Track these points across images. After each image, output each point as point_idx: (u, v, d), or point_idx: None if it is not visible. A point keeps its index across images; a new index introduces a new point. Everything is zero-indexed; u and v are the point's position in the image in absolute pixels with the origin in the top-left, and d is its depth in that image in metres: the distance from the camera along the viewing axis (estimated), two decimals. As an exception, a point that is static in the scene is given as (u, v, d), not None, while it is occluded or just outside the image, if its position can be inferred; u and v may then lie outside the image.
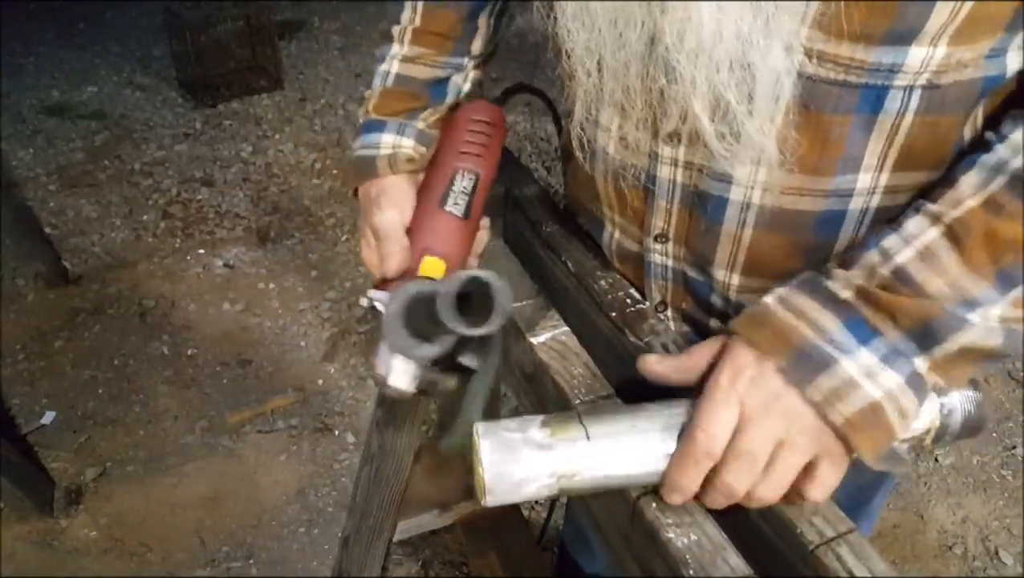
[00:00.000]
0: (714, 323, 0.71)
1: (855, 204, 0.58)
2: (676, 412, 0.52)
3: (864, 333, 0.49)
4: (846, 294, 0.51)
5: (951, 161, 0.56)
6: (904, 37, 0.49)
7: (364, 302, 0.63)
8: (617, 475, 0.50)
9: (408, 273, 0.64)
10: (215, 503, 1.77)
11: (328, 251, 2.51)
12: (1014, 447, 1.91)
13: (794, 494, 0.51)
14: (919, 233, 0.51)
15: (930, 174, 0.57)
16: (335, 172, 2.87)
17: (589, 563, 1.26)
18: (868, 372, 0.48)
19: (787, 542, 0.51)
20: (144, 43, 3.81)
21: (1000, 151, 0.51)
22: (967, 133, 0.56)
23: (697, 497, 0.52)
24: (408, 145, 0.72)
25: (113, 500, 1.77)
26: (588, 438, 0.50)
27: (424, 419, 1.14)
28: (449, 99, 0.77)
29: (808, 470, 0.50)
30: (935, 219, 0.51)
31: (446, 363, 0.62)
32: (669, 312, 0.73)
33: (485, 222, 0.73)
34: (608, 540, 0.56)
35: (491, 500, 0.50)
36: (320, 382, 2.06)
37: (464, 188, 0.67)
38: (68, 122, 3.19)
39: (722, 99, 0.51)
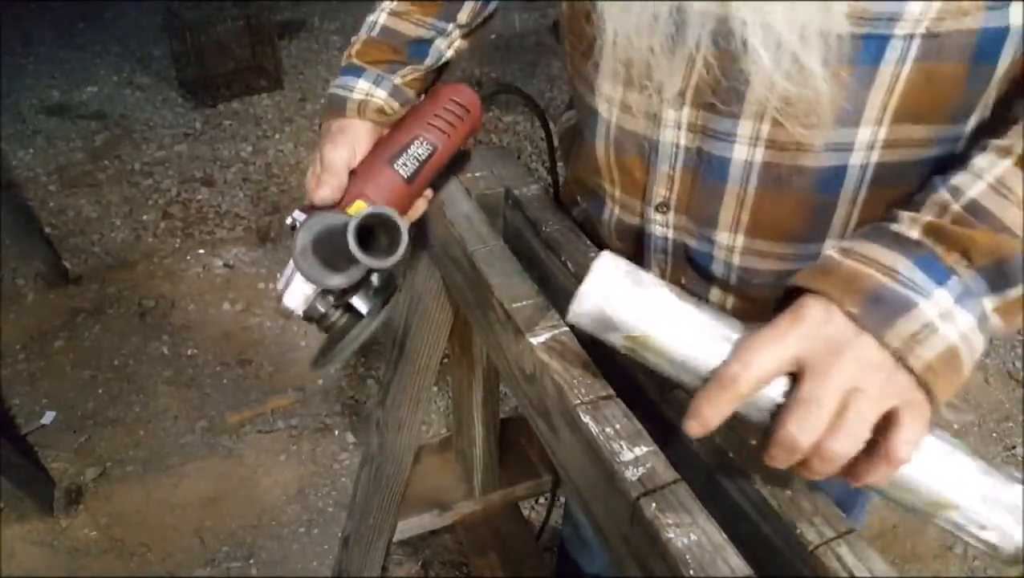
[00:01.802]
0: (713, 295, 0.71)
1: (855, 159, 0.58)
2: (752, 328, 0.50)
3: (939, 273, 0.47)
4: (915, 233, 0.49)
5: (955, 118, 0.56)
6: None
7: (288, 221, 0.66)
8: (675, 352, 0.50)
9: (336, 208, 0.67)
10: (215, 503, 1.77)
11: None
12: (1014, 447, 1.91)
13: (881, 459, 0.46)
14: (990, 167, 0.49)
15: (929, 128, 0.57)
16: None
17: (589, 563, 1.26)
18: (945, 314, 0.46)
19: (787, 542, 0.51)
20: (144, 43, 3.81)
21: None
22: (978, 98, 0.55)
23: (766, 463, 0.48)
24: (381, 97, 0.74)
25: (113, 500, 1.77)
26: (674, 298, 0.51)
27: (424, 419, 1.13)
28: (429, 61, 0.79)
29: (889, 424, 0.46)
30: (1005, 152, 0.50)
31: (339, 300, 0.65)
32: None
33: (428, 193, 0.76)
34: (608, 540, 0.56)
35: (574, 309, 0.52)
36: (320, 382, 2.06)
37: (418, 155, 0.70)
38: (68, 122, 3.19)
39: (774, 31, 0.51)
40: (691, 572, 0.46)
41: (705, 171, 0.63)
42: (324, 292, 0.65)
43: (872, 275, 0.47)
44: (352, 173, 0.69)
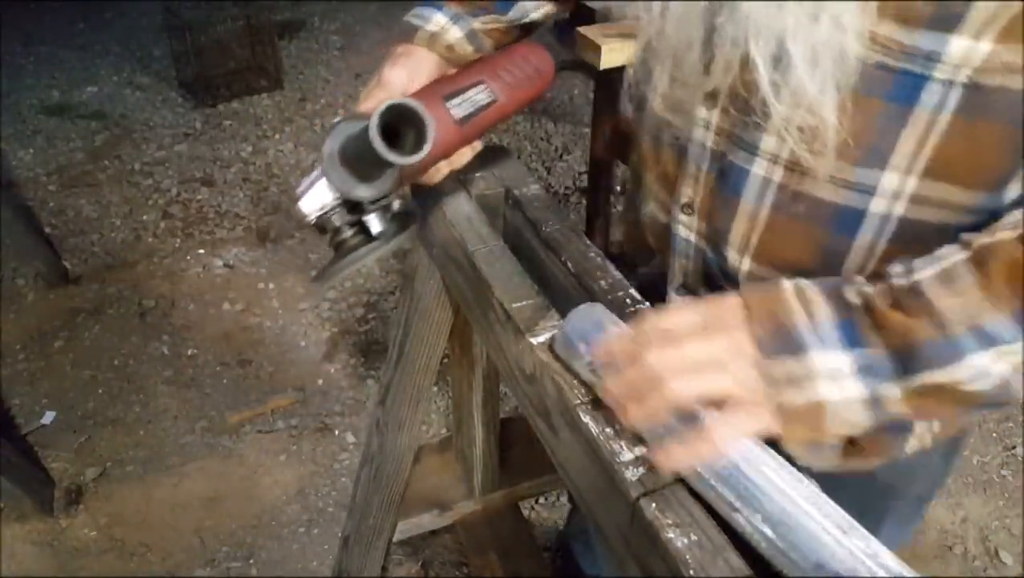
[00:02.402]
0: None
1: (876, 205, 0.56)
2: None
3: (852, 339, 0.48)
4: (855, 299, 0.50)
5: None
6: (946, 22, 0.48)
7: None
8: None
9: None
10: (215, 503, 1.77)
11: (328, 251, 2.50)
12: (1014, 447, 1.91)
13: (696, 433, 0.49)
14: (947, 255, 0.50)
15: (964, 192, 0.53)
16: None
17: (590, 564, 1.26)
18: (834, 374, 0.48)
19: (787, 542, 0.51)
20: (144, 43, 3.81)
21: None
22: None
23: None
24: (455, 36, 0.73)
25: (113, 500, 1.77)
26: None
27: (424, 419, 1.13)
28: (512, 14, 0.77)
29: (722, 406, 0.50)
30: (966, 245, 0.49)
31: (356, 216, 0.64)
32: (689, 298, 0.73)
33: (477, 145, 0.75)
34: (608, 540, 0.56)
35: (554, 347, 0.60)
36: (320, 382, 2.06)
37: (476, 100, 0.68)
38: (68, 122, 3.19)
39: (784, 48, 0.51)
40: (691, 572, 0.46)
41: (724, 180, 0.62)
42: (344, 204, 0.63)
43: (795, 312, 0.50)
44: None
